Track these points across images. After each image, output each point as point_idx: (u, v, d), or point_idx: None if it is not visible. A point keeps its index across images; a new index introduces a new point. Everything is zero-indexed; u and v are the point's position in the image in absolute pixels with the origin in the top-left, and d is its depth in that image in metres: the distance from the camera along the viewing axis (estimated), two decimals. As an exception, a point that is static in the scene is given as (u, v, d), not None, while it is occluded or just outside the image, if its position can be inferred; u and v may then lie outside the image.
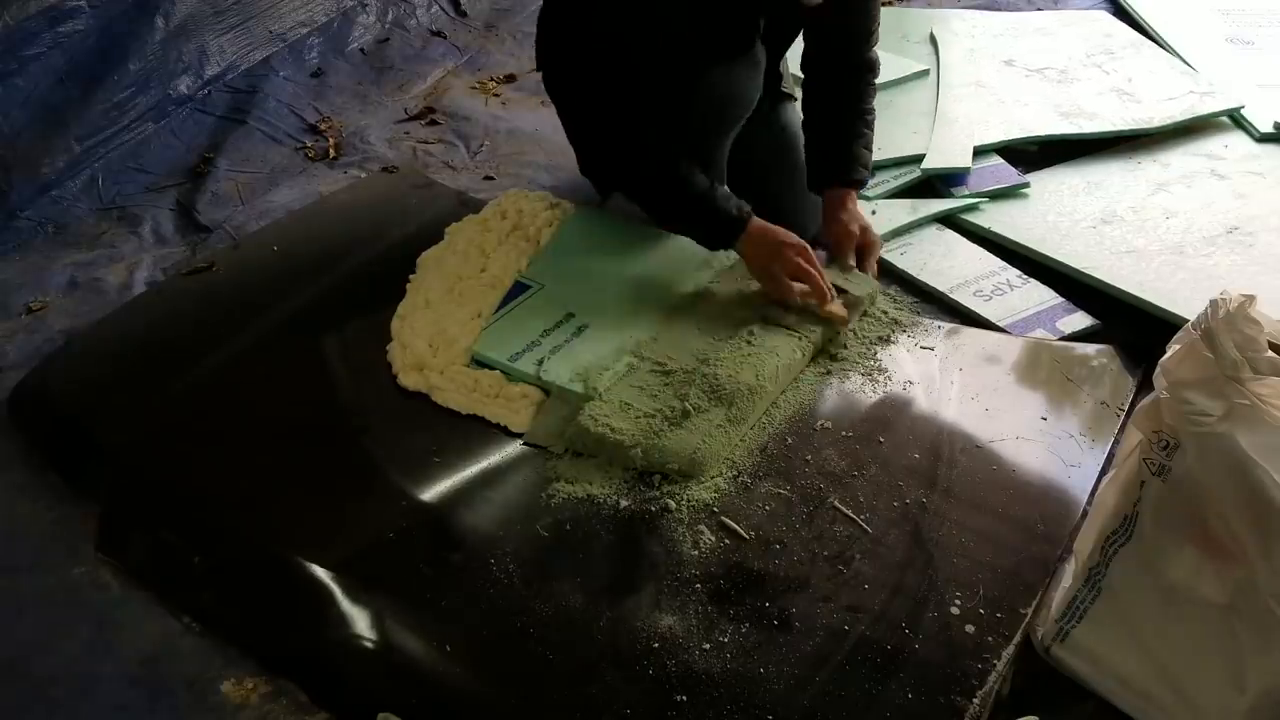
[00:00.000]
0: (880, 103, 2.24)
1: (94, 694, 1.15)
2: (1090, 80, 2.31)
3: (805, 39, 1.74)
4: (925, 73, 2.36)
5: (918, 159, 2.03)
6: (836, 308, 1.55)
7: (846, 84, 1.71)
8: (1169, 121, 2.12)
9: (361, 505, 1.33)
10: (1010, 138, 2.10)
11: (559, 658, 1.13)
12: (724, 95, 1.62)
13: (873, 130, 1.73)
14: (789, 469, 1.35)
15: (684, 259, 1.70)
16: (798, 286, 1.53)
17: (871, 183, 1.98)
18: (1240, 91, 2.22)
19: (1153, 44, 2.51)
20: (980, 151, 2.04)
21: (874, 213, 1.89)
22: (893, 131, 2.12)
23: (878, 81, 1.75)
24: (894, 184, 1.99)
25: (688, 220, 1.64)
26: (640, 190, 1.70)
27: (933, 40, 2.51)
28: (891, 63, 2.36)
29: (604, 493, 1.32)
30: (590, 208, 1.86)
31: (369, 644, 1.16)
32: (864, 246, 1.66)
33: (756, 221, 1.57)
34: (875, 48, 1.72)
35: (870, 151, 1.71)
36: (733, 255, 1.65)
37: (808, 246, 1.56)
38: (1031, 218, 1.88)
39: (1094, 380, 1.49)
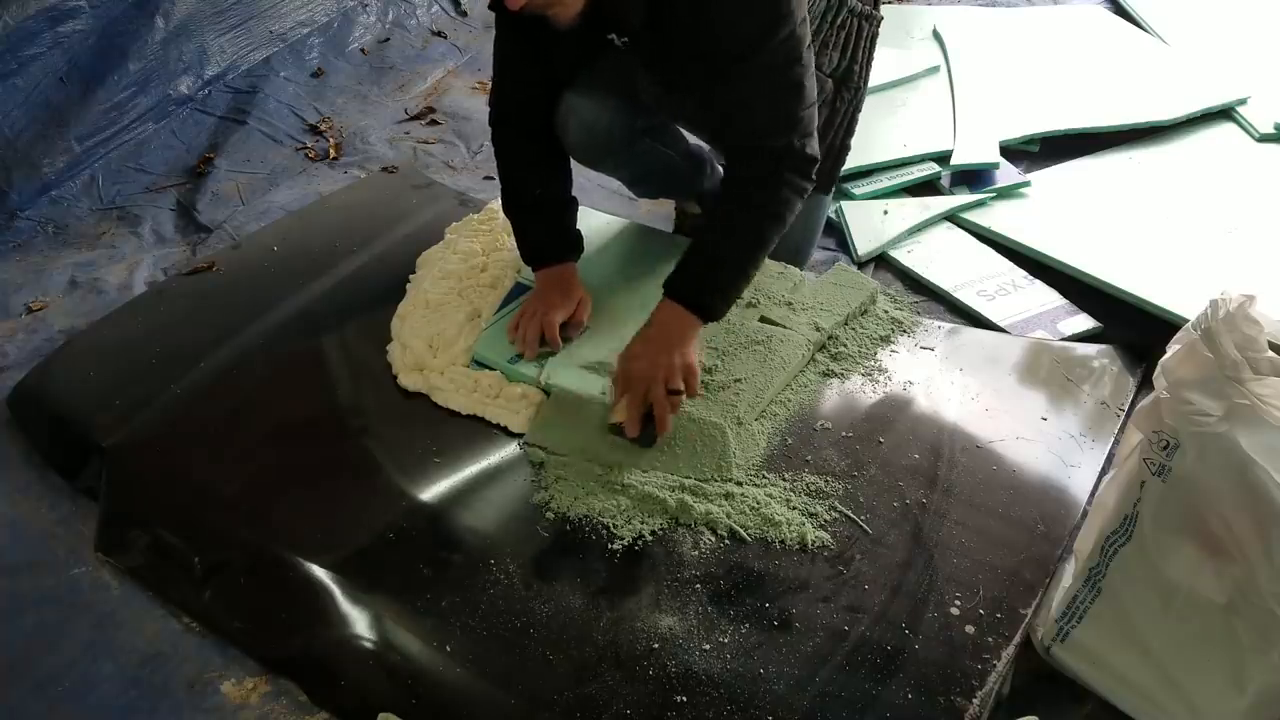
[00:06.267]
0: (895, 101, 2.24)
1: (94, 694, 1.15)
2: (1093, 75, 2.31)
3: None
4: (935, 69, 2.37)
5: (938, 156, 2.04)
6: (622, 416, 1.34)
7: (728, 210, 1.40)
8: (1174, 115, 2.12)
9: (361, 505, 1.33)
10: (1022, 134, 2.10)
11: (559, 658, 1.13)
12: (576, 121, 1.51)
13: (735, 273, 1.39)
14: (789, 469, 1.35)
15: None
16: (521, 336, 1.51)
17: (883, 179, 1.99)
18: (1241, 85, 2.22)
19: (1151, 38, 2.51)
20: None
21: (886, 213, 1.90)
22: (912, 128, 2.13)
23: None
24: (902, 180, 2.00)
25: (513, 218, 1.60)
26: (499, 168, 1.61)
27: (936, 37, 2.51)
28: (901, 60, 2.37)
29: (603, 492, 1.32)
30: (588, 209, 1.85)
31: (369, 644, 1.16)
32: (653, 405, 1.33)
33: (559, 270, 1.55)
34: (782, 187, 1.35)
35: (724, 295, 1.39)
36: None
37: (561, 321, 1.50)
38: (1031, 217, 1.89)
39: (1094, 380, 1.49)
